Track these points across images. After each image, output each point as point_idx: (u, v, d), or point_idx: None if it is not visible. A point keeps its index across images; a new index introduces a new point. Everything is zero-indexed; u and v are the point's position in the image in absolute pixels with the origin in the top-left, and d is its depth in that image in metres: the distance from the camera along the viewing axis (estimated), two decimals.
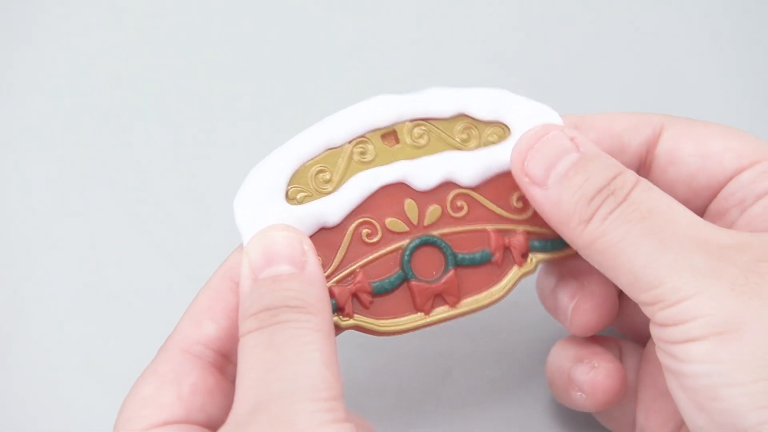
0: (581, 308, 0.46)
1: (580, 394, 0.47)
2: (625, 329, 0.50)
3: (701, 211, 0.45)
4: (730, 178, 0.44)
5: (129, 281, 0.57)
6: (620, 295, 0.47)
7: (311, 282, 0.40)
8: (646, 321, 0.47)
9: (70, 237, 0.57)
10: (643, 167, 0.45)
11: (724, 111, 0.59)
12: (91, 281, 0.57)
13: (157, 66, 0.61)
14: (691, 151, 0.44)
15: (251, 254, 0.41)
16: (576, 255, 0.44)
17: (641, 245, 0.39)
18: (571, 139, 0.43)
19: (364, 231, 0.44)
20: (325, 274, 0.43)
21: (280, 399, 0.37)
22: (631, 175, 0.41)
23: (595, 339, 0.48)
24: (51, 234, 0.58)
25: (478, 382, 0.54)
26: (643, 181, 0.41)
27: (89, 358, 0.55)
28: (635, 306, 0.47)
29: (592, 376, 0.46)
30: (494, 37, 0.61)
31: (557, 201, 0.42)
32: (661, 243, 0.39)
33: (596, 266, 0.41)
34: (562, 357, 0.48)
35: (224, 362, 0.43)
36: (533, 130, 0.43)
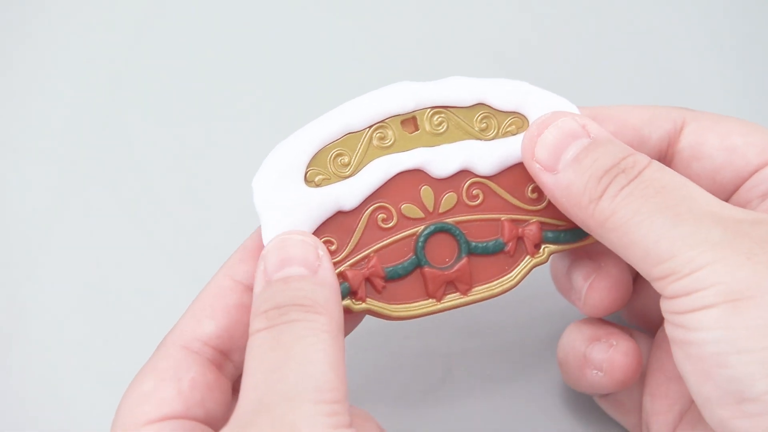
0: (596, 287, 0.46)
1: (596, 372, 0.47)
2: (635, 319, 0.50)
3: None
4: (754, 172, 0.44)
5: (129, 281, 0.56)
6: (632, 283, 0.48)
7: (322, 284, 0.40)
8: (658, 308, 0.48)
9: (70, 237, 0.57)
10: (664, 161, 0.46)
11: (724, 111, 0.60)
12: (91, 281, 0.56)
13: (157, 65, 0.61)
14: (716, 146, 0.45)
15: (267, 257, 0.41)
16: (586, 245, 0.45)
17: (655, 220, 0.39)
18: (582, 126, 0.43)
19: (380, 216, 0.44)
20: (339, 257, 0.43)
21: (283, 401, 0.36)
22: (642, 157, 0.42)
23: (610, 322, 0.49)
24: (51, 234, 0.57)
25: (479, 381, 0.54)
26: (656, 162, 0.42)
27: (89, 358, 0.55)
28: (647, 294, 0.47)
29: (611, 354, 0.46)
30: (499, 36, 0.62)
31: (567, 184, 0.42)
32: (675, 217, 0.39)
33: (609, 246, 0.41)
34: (576, 337, 0.48)
35: (223, 360, 0.43)
36: (543, 117, 0.44)
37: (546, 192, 0.43)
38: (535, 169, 0.43)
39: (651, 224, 0.39)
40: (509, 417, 0.54)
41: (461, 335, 0.55)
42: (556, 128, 0.43)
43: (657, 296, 0.47)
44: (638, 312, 0.50)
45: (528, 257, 0.44)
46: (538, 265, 0.45)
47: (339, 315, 0.40)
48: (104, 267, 0.57)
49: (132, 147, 0.59)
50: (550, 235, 0.45)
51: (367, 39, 0.62)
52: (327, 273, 0.41)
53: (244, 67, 0.61)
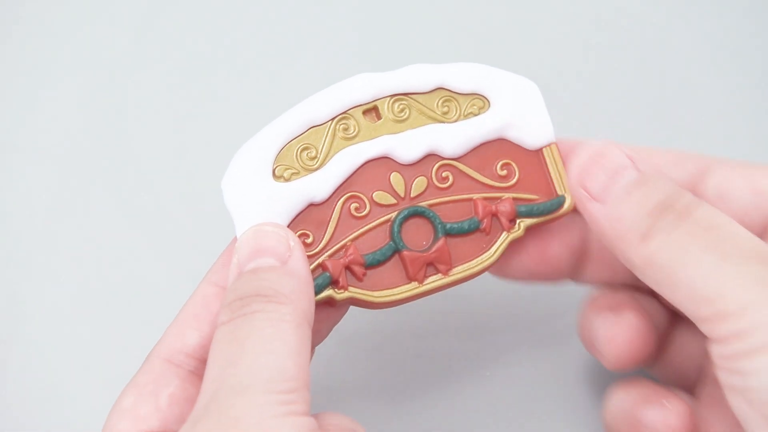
0: (615, 339, 0.46)
1: None
2: (669, 377, 0.49)
3: None
4: None
5: (129, 281, 0.57)
6: (660, 337, 0.47)
7: (291, 274, 0.40)
8: (693, 363, 0.47)
9: (70, 237, 0.58)
10: None
11: (723, 111, 0.60)
12: (91, 281, 0.57)
13: (156, 66, 0.61)
14: (743, 188, 0.44)
15: (240, 248, 0.42)
16: (561, 217, 0.45)
17: (702, 258, 0.38)
18: (630, 158, 0.43)
19: (353, 205, 0.44)
20: (317, 249, 0.44)
21: (232, 394, 0.36)
22: (688, 193, 0.41)
23: (653, 380, 0.47)
24: (51, 234, 0.58)
25: (478, 381, 0.54)
26: (703, 200, 0.41)
27: (89, 358, 0.55)
28: (679, 350, 0.47)
29: (665, 415, 0.45)
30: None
31: (617, 217, 0.41)
32: (722, 256, 0.38)
33: (652, 284, 0.41)
34: (624, 399, 0.46)
35: None
36: (593, 147, 0.43)
37: (590, 221, 0.43)
38: (581, 196, 0.43)
39: (698, 263, 0.38)
40: (508, 417, 0.54)
41: (460, 337, 0.55)
42: (605, 159, 0.43)
43: (691, 351, 0.46)
44: (673, 369, 0.49)
45: (504, 233, 0.45)
46: (516, 240, 0.45)
47: (307, 305, 0.40)
48: (104, 267, 0.57)
49: (132, 147, 0.59)
50: (523, 209, 0.45)
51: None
52: (297, 263, 0.41)
53: (243, 67, 0.61)
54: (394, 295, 0.44)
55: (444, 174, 0.45)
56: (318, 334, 0.45)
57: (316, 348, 0.46)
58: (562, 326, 0.53)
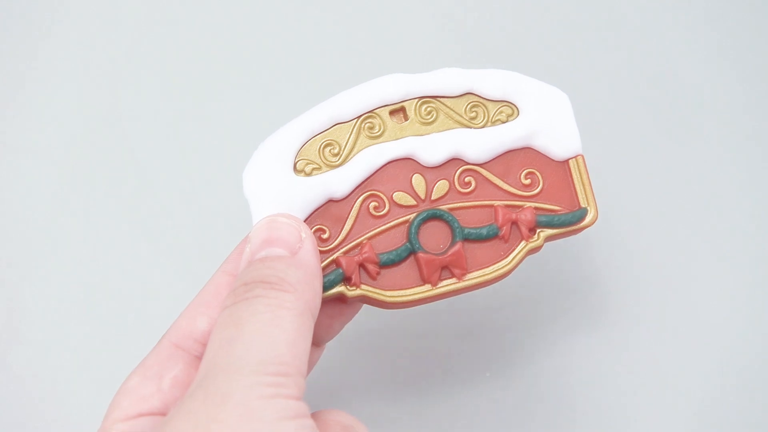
0: None
1: None
2: None
3: None
4: None
5: (129, 281, 0.57)
6: None
7: (298, 265, 0.41)
8: None
9: (70, 237, 0.58)
10: None
11: (722, 109, 0.59)
12: (91, 281, 0.57)
13: (156, 66, 0.61)
14: None
15: (252, 237, 0.42)
16: (582, 229, 0.45)
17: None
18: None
19: (372, 204, 0.44)
20: (332, 245, 0.44)
21: (223, 372, 0.37)
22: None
23: None
24: (51, 234, 0.58)
25: (478, 381, 0.54)
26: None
27: (89, 358, 0.56)
28: None
29: None
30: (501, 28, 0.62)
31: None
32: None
33: None
34: None
35: None
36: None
37: None
38: None
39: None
40: (507, 417, 0.54)
41: (460, 337, 0.55)
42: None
43: None
44: None
45: (523, 242, 0.45)
46: (534, 250, 0.45)
47: (311, 296, 0.40)
48: (104, 267, 0.57)
49: (132, 147, 0.60)
50: (543, 219, 0.45)
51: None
52: (307, 255, 0.41)
53: (243, 65, 0.61)
54: (406, 296, 0.44)
55: (467, 179, 0.45)
56: (330, 330, 0.46)
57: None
58: (562, 327, 0.53)
